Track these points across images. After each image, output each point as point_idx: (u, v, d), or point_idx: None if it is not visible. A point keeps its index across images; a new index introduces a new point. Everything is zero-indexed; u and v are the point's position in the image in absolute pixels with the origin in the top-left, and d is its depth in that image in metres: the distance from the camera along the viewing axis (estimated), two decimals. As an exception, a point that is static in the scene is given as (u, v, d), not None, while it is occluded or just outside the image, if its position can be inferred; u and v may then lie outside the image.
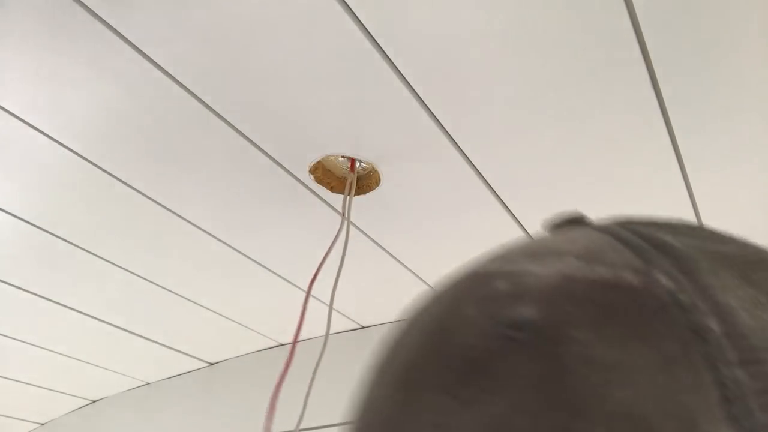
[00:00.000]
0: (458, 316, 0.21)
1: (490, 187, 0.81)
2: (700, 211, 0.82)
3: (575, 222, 0.26)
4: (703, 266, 0.20)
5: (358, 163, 0.78)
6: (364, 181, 0.81)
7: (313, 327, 0.80)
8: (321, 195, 0.85)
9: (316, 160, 0.78)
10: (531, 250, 0.23)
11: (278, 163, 0.79)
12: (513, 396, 0.17)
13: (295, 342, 0.68)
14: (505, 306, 0.20)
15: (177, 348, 1.38)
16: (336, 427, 1.09)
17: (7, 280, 1.07)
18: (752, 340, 0.17)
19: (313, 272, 0.76)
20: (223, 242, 0.97)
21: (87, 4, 0.57)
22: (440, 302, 0.23)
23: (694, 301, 0.18)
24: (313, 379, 0.76)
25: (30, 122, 0.72)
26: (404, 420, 0.19)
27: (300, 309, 0.73)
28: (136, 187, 0.84)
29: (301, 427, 0.74)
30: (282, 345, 1.33)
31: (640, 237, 0.21)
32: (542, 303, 0.19)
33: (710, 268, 0.19)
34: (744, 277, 0.20)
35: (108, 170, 0.81)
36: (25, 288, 1.10)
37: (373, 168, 0.79)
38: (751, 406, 0.16)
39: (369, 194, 0.83)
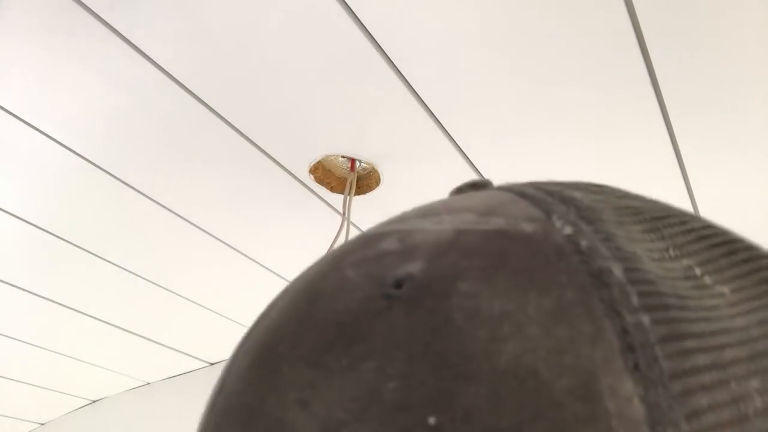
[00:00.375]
0: (334, 278, 0.18)
1: (490, 187, 0.81)
2: (699, 210, 0.83)
3: (479, 186, 0.24)
4: (608, 217, 0.18)
5: (358, 163, 0.78)
6: (364, 181, 0.81)
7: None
8: (321, 195, 0.85)
9: (316, 160, 0.78)
10: (426, 209, 0.21)
11: (278, 163, 0.79)
12: (384, 359, 0.15)
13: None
14: (389, 265, 0.18)
15: (177, 348, 1.38)
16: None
17: (7, 280, 1.07)
18: (659, 286, 0.16)
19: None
20: (223, 242, 0.97)
21: (87, 4, 0.57)
22: (318, 265, 0.20)
23: (595, 246, 0.16)
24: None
25: (30, 122, 0.72)
26: (262, 401, 0.16)
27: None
28: (137, 187, 0.84)
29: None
30: (282, 345, 1.33)
31: (543, 192, 0.20)
32: (429, 258, 0.17)
33: (616, 221, 0.18)
34: (653, 230, 0.18)
35: (108, 170, 0.81)
36: (25, 288, 1.10)
37: (373, 168, 0.79)
38: (655, 354, 0.14)
39: (369, 194, 0.83)
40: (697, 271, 0.17)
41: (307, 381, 0.16)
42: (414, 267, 0.17)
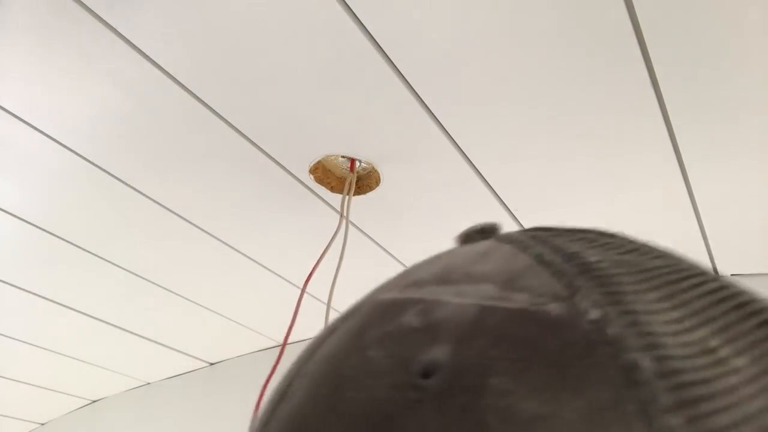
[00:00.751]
0: (357, 360, 0.18)
1: (490, 187, 0.81)
2: (700, 210, 0.82)
3: (487, 233, 0.24)
4: (628, 287, 0.18)
5: (358, 163, 0.78)
6: (364, 181, 0.81)
7: (312, 327, 0.80)
8: (321, 195, 0.85)
9: (316, 160, 0.78)
10: (442, 273, 0.20)
11: (278, 163, 0.79)
12: None
13: (285, 342, 0.68)
14: (413, 346, 0.17)
15: (177, 348, 1.38)
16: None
17: (7, 280, 1.07)
18: (686, 375, 0.16)
19: (310, 271, 0.76)
20: (224, 242, 0.97)
21: (87, 4, 0.57)
22: (338, 339, 0.20)
23: (623, 335, 0.16)
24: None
25: (30, 122, 0.72)
26: None
27: (301, 308, 0.73)
28: (136, 187, 0.84)
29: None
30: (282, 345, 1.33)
31: (559, 254, 0.19)
32: (456, 342, 0.17)
33: (635, 290, 0.18)
34: (669, 297, 0.18)
35: (108, 170, 0.81)
36: (25, 288, 1.10)
37: (373, 168, 0.79)
38: None
39: (369, 194, 0.83)
40: (713, 343, 0.17)
41: None
42: (441, 352, 0.17)
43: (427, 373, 0.17)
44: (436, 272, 0.21)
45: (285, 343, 0.68)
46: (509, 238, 0.22)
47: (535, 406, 0.15)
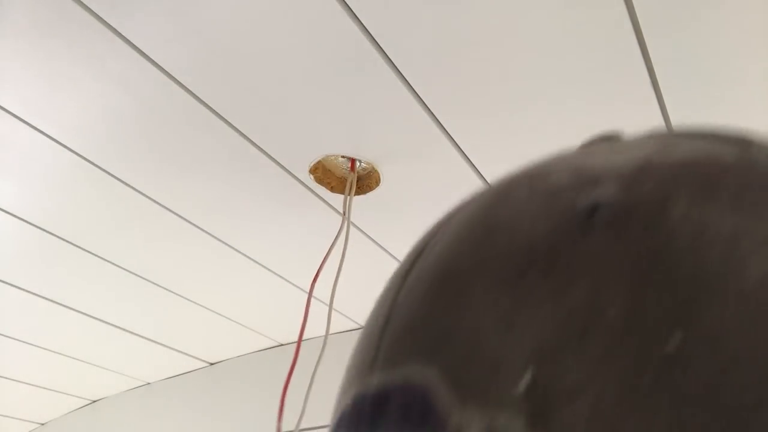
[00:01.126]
0: (509, 210, 0.17)
1: (490, 187, 0.81)
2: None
3: (612, 139, 0.22)
4: None
5: (358, 163, 0.78)
6: (364, 181, 0.81)
7: (313, 327, 0.80)
8: (321, 195, 0.85)
9: (316, 160, 0.78)
10: (588, 153, 0.19)
11: (278, 163, 0.79)
12: (595, 284, 0.14)
13: (299, 341, 0.68)
14: (573, 193, 0.16)
15: (177, 348, 1.38)
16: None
17: (7, 280, 1.07)
18: None
19: (314, 272, 0.76)
20: (223, 242, 0.97)
21: (87, 4, 0.57)
22: (481, 203, 0.19)
23: None
24: (312, 379, 0.76)
25: (30, 122, 0.72)
26: (455, 323, 0.16)
27: (300, 308, 0.73)
28: (136, 187, 0.84)
29: (301, 427, 0.74)
30: (282, 345, 1.33)
31: (707, 133, 0.18)
32: (623, 183, 0.16)
33: None
34: None
35: (108, 170, 0.81)
36: (25, 288, 1.10)
37: (373, 168, 0.79)
38: None
39: (369, 194, 0.83)
40: None
41: (505, 305, 0.15)
42: (604, 195, 0.16)
43: (591, 214, 0.16)
44: (579, 155, 0.19)
45: (300, 342, 0.68)
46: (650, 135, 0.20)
47: (730, 224, 0.14)
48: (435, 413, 0.15)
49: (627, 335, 0.14)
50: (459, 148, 0.74)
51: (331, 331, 0.78)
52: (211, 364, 1.47)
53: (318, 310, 0.85)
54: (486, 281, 0.16)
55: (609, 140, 0.21)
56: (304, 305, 0.75)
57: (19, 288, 1.09)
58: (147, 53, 0.62)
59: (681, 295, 0.14)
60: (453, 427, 0.14)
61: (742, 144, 0.17)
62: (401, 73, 0.64)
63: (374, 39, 0.60)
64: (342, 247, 0.80)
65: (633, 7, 0.55)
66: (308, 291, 0.75)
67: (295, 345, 0.69)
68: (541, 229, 0.16)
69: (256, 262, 1.03)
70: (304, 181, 0.82)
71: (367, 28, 0.59)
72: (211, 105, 0.69)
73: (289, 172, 0.80)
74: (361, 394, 0.17)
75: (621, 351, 0.14)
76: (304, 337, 0.72)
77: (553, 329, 0.14)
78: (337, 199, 0.85)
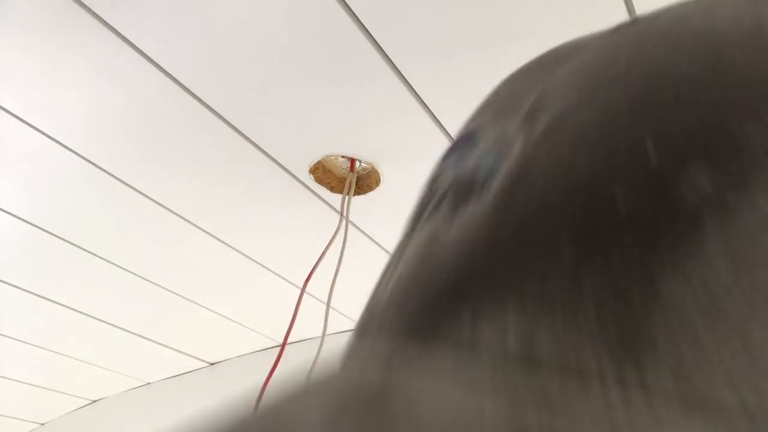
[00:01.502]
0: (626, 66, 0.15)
1: (490, 187, 0.81)
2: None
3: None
4: None
5: (358, 163, 0.78)
6: (364, 181, 0.81)
7: (312, 327, 0.80)
8: (320, 195, 0.85)
9: (316, 160, 0.78)
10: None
11: (278, 163, 0.79)
12: None
13: (284, 342, 0.68)
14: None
15: (177, 348, 1.38)
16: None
17: (7, 280, 1.07)
18: None
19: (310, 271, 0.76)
20: (223, 242, 0.97)
21: (87, 4, 0.57)
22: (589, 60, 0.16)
23: None
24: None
25: (30, 122, 0.72)
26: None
27: (301, 309, 0.73)
28: (136, 187, 0.84)
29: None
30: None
31: None
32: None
33: None
34: None
35: (108, 170, 0.81)
36: (25, 288, 1.10)
37: (373, 168, 0.79)
38: None
39: (369, 194, 0.83)
40: None
41: None
42: None
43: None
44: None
45: (285, 343, 0.68)
46: None
47: None
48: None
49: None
50: (459, 148, 0.74)
51: (329, 331, 0.78)
52: (211, 364, 1.47)
53: (316, 310, 0.85)
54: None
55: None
56: (304, 305, 0.75)
57: (19, 288, 1.09)
58: (147, 53, 0.62)
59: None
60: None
61: None
62: (401, 73, 0.64)
63: (374, 39, 0.60)
64: (340, 246, 0.80)
65: (633, 7, 0.55)
66: (300, 289, 0.75)
67: (294, 345, 0.69)
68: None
69: (256, 262, 1.03)
70: (304, 181, 0.82)
71: (367, 28, 0.59)
72: (211, 105, 0.69)
73: (289, 172, 0.80)
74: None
75: None
76: (303, 336, 0.72)
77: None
78: (337, 200, 0.85)
